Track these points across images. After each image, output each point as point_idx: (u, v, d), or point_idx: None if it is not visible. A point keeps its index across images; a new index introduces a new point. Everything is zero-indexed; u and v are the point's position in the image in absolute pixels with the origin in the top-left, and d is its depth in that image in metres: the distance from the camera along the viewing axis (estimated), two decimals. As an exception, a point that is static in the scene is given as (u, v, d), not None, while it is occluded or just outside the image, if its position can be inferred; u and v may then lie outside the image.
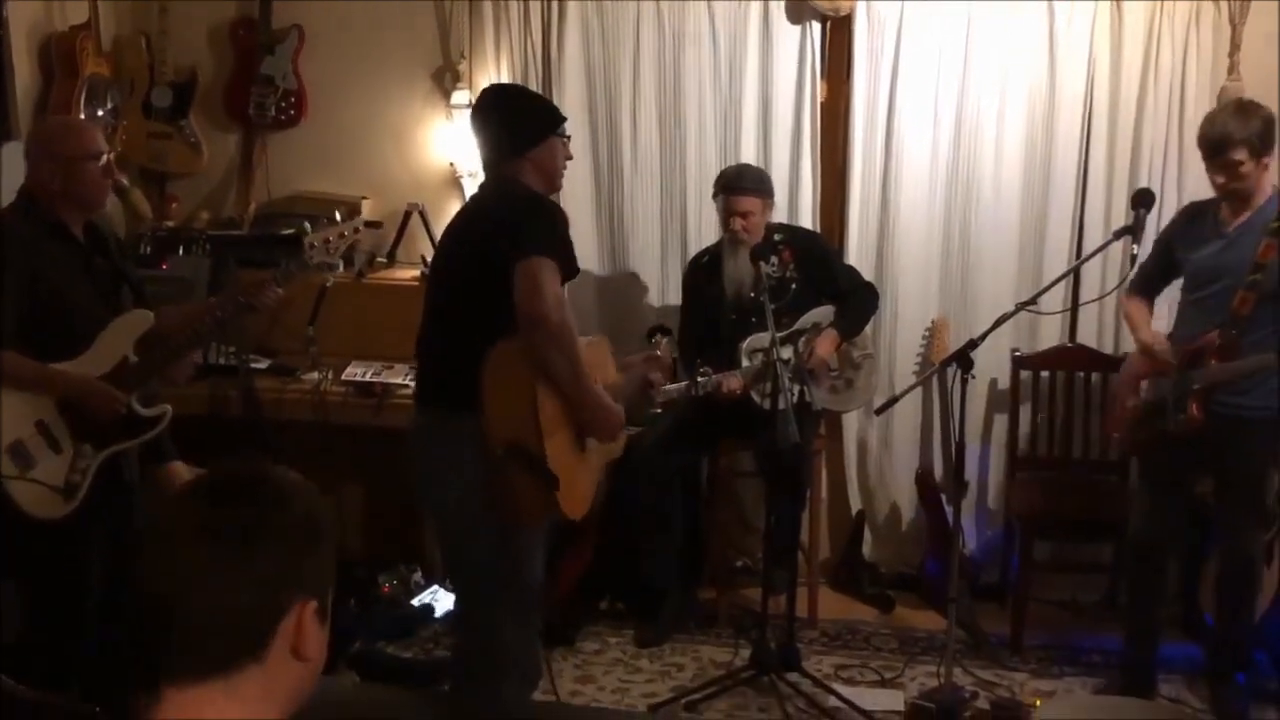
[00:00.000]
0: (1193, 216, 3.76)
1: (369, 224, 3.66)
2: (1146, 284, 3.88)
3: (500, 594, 3.01)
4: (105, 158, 3.18)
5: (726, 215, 4.31)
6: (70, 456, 3.06)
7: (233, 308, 3.26)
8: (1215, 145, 3.53)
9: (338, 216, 3.48)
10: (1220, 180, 3.57)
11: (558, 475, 2.86)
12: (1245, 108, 3.61)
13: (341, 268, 4.58)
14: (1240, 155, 3.50)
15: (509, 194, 3.04)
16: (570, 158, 3.21)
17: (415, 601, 4.38)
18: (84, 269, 3.16)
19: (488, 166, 3.17)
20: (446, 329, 3.02)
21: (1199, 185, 3.93)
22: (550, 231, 2.92)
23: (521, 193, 3.04)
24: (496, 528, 2.94)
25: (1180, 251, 3.73)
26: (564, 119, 3.23)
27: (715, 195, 4.38)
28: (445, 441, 2.96)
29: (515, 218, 2.92)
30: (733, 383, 4.19)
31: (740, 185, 4.30)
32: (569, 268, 2.94)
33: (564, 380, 2.87)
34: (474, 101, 3.29)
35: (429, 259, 4.52)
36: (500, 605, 3.01)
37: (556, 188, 3.27)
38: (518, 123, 3.11)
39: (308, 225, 4.13)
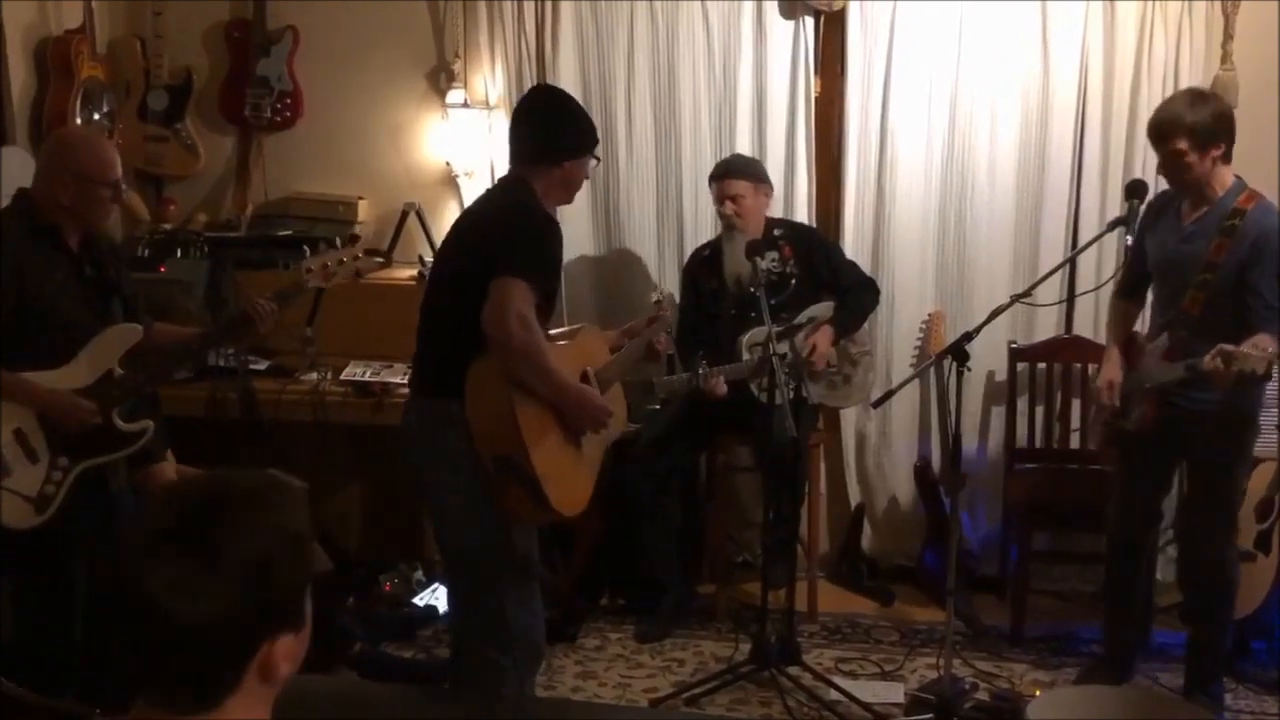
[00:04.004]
0: (1158, 210, 3.64)
1: (370, 252, 3.67)
2: (1130, 284, 3.79)
3: (498, 571, 3.05)
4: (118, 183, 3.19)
5: (719, 201, 4.37)
6: (46, 467, 3.04)
7: (223, 330, 3.33)
8: (1158, 134, 3.41)
9: (338, 243, 3.49)
10: (1163, 171, 3.48)
11: (546, 486, 2.93)
12: (1197, 97, 3.46)
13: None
14: (1182, 144, 3.34)
15: (515, 205, 3.07)
16: (588, 176, 3.27)
17: (417, 600, 4.39)
18: (74, 277, 3.14)
19: (515, 164, 3.17)
20: (434, 323, 3.10)
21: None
22: (535, 253, 2.98)
23: (527, 207, 3.06)
24: (490, 510, 2.99)
25: (1147, 244, 3.62)
26: (597, 140, 3.27)
27: (710, 188, 4.44)
28: (431, 426, 3.02)
29: (507, 232, 2.98)
30: (719, 388, 4.17)
31: (728, 169, 4.37)
32: (548, 289, 3.02)
33: (537, 388, 2.96)
34: (525, 99, 3.39)
35: (426, 259, 4.54)
36: (498, 582, 3.05)
37: (570, 201, 3.31)
38: (562, 131, 3.15)
39: (307, 250, 4.14)
